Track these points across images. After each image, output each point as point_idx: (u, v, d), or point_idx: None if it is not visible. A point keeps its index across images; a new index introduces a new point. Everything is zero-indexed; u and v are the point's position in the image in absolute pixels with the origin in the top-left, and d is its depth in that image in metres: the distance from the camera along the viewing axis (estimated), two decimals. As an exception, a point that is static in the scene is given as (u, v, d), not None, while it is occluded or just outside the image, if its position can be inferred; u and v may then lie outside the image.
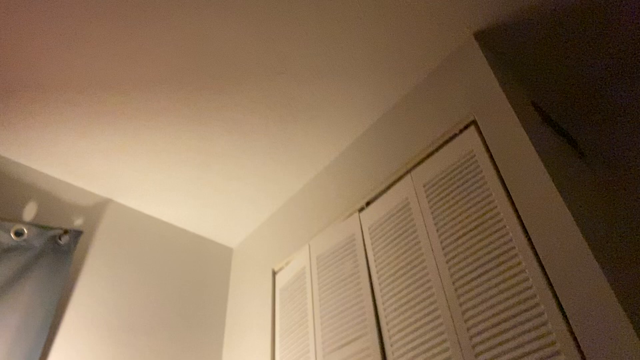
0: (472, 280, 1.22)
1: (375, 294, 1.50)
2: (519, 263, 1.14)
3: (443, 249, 1.34)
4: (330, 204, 1.95)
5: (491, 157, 1.36)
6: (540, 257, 1.11)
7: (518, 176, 1.25)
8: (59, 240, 1.80)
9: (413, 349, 1.29)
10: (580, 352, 0.96)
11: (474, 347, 1.14)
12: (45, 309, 1.64)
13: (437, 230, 1.38)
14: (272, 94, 1.82)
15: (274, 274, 2.09)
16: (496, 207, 1.26)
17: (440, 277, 1.31)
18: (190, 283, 2.24)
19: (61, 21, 1.54)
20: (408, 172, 1.63)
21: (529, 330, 1.05)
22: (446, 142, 1.55)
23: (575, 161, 1.64)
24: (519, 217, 1.21)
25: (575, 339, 0.98)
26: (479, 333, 1.14)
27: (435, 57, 1.74)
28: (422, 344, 1.27)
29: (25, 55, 1.61)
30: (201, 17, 1.58)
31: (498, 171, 1.32)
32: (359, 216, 1.74)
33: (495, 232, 1.23)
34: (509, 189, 1.26)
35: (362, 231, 1.69)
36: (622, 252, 1.26)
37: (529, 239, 1.16)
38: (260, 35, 1.64)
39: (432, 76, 1.77)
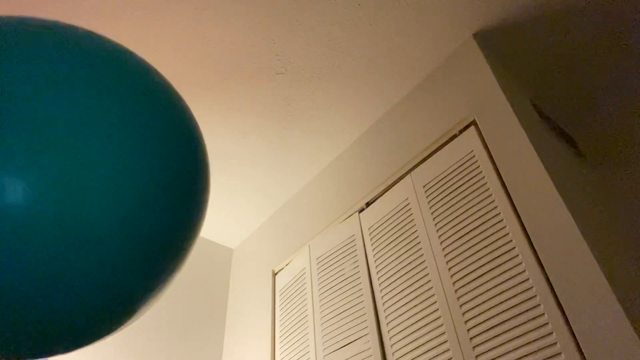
0: (472, 280, 1.22)
1: (375, 294, 1.50)
2: (519, 263, 1.14)
3: (443, 249, 1.34)
4: (330, 204, 1.95)
5: (491, 157, 1.36)
6: (540, 257, 1.11)
7: (518, 176, 1.25)
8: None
9: (413, 349, 1.28)
10: (581, 352, 0.96)
11: (474, 347, 1.14)
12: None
13: (437, 231, 1.38)
14: (272, 94, 1.82)
15: (274, 274, 2.09)
16: (496, 207, 1.26)
17: (440, 277, 1.30)
18: (190, 284, 2.24)
19: (63, 17, 1.54)
20: (408, 172, 1.63)
21: (530, 331, 1.05)
22: (446, 142, 1.55)
23: (575, 161, 1.64)
24: (519, 217, 1.20)
25: (575, 339, 0.98)
26: (480, 333, 1.14)
27: (435, 57, 1.74)
28: (423, 344, 1.27)
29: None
30: (202, 18, 1.58)
31: (498, 171, 1.32)
32: (359, 217, 1.74)
33: (496, 232, 1.23)
34: (509, 189, 1.26)
35: (362, 232, 1.69)
36: (622, 252, 1.25)
37: (529, 239, 1.16)
38: (260, 35, 1.64)
39: (432, 76, 1.77)
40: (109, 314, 0.58)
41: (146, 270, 0.59)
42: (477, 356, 1.12)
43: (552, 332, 1.01)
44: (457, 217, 1.35)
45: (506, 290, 1.13)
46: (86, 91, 0.55)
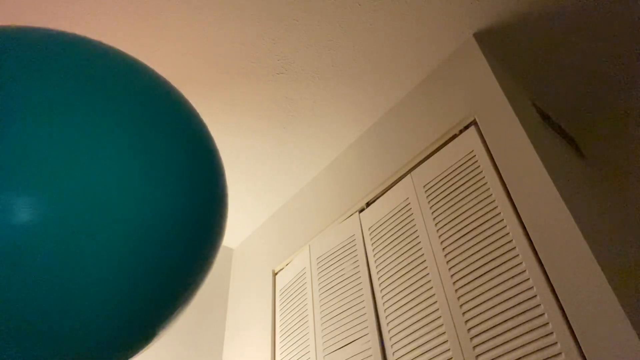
0: (472, 280, 1.22)
1: (375, 294, 1.50)
2: (520, 263, 1.14)
3: (443, 249, 1.34)
4: (330, 204, 1.95)
5: (491, 157, 1.36)
6: (541, 257, 1.11)
7: (518, 176, 1.25)
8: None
9: (413, 349, 1.29)
10: (581, 352, 0.96)
11: (474, 347, 1.14)
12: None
13: (437, 231, 1.38)
14: (272, 94, 1.82)
15: (274, 274, 2.09)
16: (496, 207, 1.26)
17: (440, 277, 1.30)
18: (190, 284, 2.24)
19: (63, 17, 1.54)
20: (408, 172, 1.63)
21: (530, 331, 1.05)
22: (446, 142, 1.55)
23: (575, 161, 1.64)
24: (519, 217, 1.20)
25: (575, 339, 0.98)
26: (480, 333, 1.14)
27: (435, 57, 1.74)
28: (423, 344, 1.27)
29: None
30: (201, 18, 1.58)
31: (498, 171, 1.32)
32: (359, 217, 1.74)
33: (496, 232, 1.23)
34: (509, 189, 1.26)
35: (362, 232, 1.69)
36: (622, 251, 1.25)
37: (529, 239, 1.16)
38: (260, 35, 1.64)
39: (432, 76, 1.77)
40: (121, 344, 0.56)
41: (159, 299, 0.57)
42: (477, 356, 1.12)
43: (552, 332, 1.01)
44: (457, 217, 1.35)
45: (506, 290, 1.13)
46: (98, 109, 0.52)
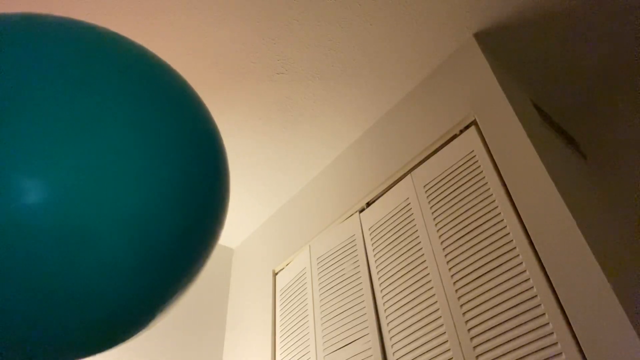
0: (472, 280, 1.22)
1: (375, 294, 1.50)
2: (520, 263, 1.14)
3: (443, 249, 1.34)
4: (330, 204, 1.95)
5: (491, 157, 1.36)
6: (541, 257, 1.11)
7: (518, 176, 1.25)
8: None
9: (414, 349, 1.29)
10: (581, 352, 0.96)
11: (474, 347, 1.14)
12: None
13: (438, 231, 1.38)
14: (272, 94, 1.82)
15: (275, 274, 2.09)
16: (496, 207, 1.26)
17: (440, 277, 1.30)
18: (190, 284, 2.24)
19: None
20: (408, 172, 1.63)
21: (531, 331, 1.05)
22: (447, 142, 1.55)
23: (575, 161, 1.64)
24: (519, 217, 1.21)
25: (576, 339, 0.98)
26: (480, 334, 1.14)
27: (435, 57, 1.74)
28: (423, 344, 1.27)
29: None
30: (202, 18, 1.58)
31: (498, 171, 1.32)
32: (360, 217, 1.74)
33: (496, 232, 1.23)
34: (509, 189, 1.26)
35: (362, 232, 1.69)
36: (623, 251, 1.25)
37: (529, 239, 1.16)
38: (260, 35, 1.64)
39: (432, 76, 1.77)
40: (120, 322, 0.56)
41: (159, 281, 0.57)
42: (477, 356, 1.12)
43: (552, 332, 1.01)
44: (457, 217, 1.35)
45: (507, 290, 1.13)
46: (99, 90, 0.52)
